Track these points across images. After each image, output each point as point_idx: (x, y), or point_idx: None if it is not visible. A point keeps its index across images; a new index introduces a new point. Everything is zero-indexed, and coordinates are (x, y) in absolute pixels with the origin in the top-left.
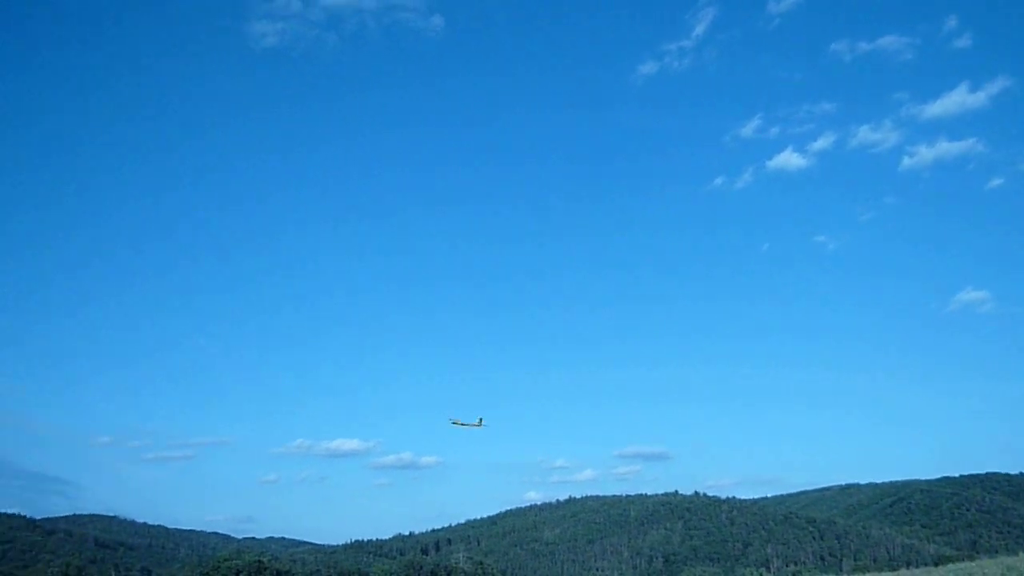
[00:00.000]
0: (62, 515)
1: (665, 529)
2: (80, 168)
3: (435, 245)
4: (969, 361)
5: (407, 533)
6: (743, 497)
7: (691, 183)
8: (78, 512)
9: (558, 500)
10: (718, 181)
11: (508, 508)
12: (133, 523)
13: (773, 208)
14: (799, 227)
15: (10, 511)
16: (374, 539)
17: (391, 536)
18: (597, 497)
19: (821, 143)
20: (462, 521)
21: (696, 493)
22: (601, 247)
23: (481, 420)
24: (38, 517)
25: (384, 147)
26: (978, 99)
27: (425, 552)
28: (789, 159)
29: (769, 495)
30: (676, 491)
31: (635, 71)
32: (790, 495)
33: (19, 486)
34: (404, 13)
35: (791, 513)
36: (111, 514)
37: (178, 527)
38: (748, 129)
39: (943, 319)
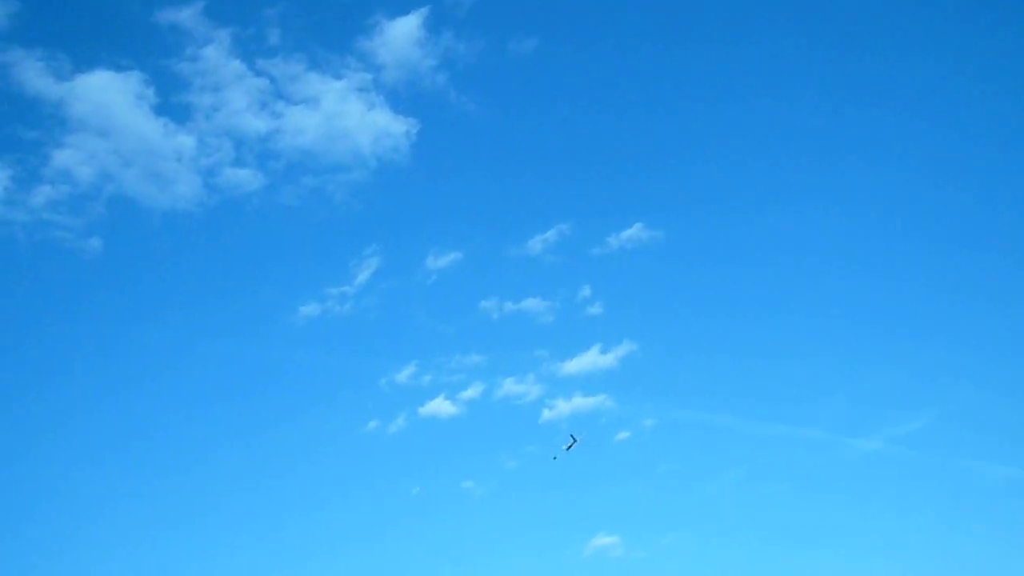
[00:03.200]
0: None
1: None
2: None
3: None
4: None
5: None
6: None
7: (348, 425)
8: None
9: None
10: (372, 424)
11: None
12: None
13: (424, 453)
14: (448, 472)
15: None
16: None
17: None
18: None
19: (471, 392)
20: None
21: None
22: (253, 488)
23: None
24: None
25: None
26: (608, 360)
27: None
28: (441, 406)
29: None
30: None
31: (297, 312)
32: None
33: None
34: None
35: None
36: None
37: None
38: (403, 375)
39: (580, 563)
